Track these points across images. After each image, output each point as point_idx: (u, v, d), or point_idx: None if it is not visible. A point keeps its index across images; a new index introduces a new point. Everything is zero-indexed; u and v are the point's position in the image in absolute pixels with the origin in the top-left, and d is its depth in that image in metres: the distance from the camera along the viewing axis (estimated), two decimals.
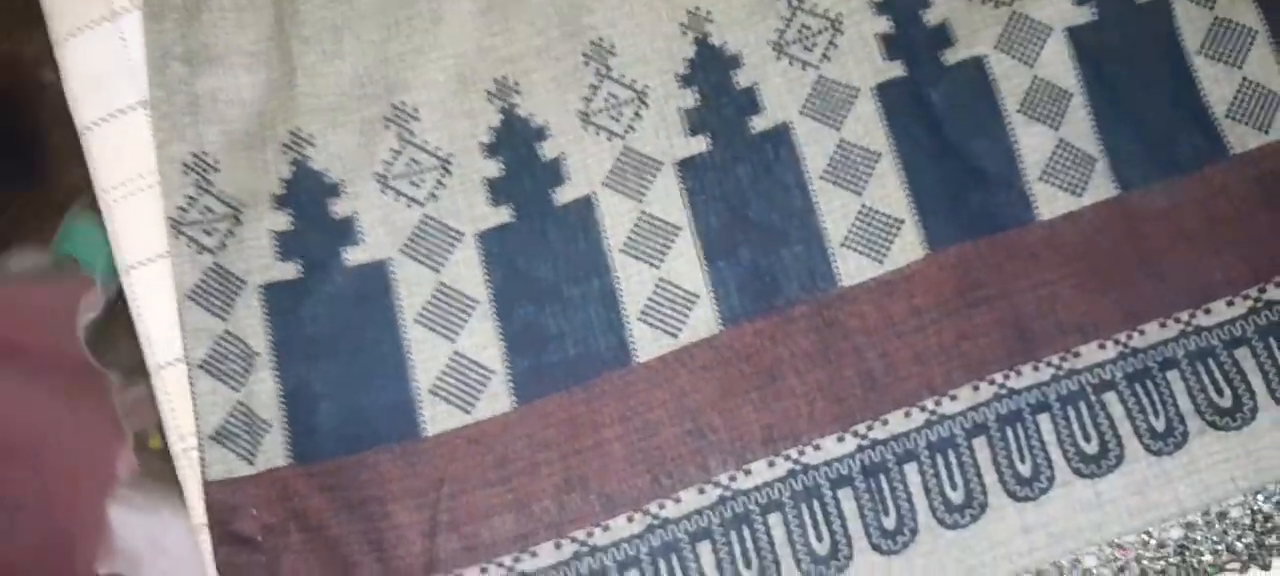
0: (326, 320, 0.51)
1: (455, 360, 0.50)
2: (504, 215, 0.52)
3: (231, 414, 0.50)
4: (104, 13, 0.57)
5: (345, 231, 0.52)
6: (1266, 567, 0.46)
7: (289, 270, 0.52)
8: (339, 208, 0.52)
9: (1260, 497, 0.46)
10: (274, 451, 0.50)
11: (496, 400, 0.50)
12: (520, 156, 0.53)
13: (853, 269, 0.50)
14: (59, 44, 0.58)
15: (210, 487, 0.50)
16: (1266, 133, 0.50)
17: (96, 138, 0.57)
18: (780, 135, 0.52)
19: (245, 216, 0.52)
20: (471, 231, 0.52)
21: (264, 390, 0.50)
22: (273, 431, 0.50)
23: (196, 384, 0.51)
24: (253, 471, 0.50)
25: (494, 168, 0.53)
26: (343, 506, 0.49)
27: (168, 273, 0.53)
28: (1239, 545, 0.46)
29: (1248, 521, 0.46)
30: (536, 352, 0.50)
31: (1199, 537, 0.46)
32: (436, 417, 0.50)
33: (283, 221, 0.52)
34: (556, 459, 0.49)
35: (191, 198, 0.53)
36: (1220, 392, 0.47)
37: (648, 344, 0.50)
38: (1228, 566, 0.46)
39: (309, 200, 0.53)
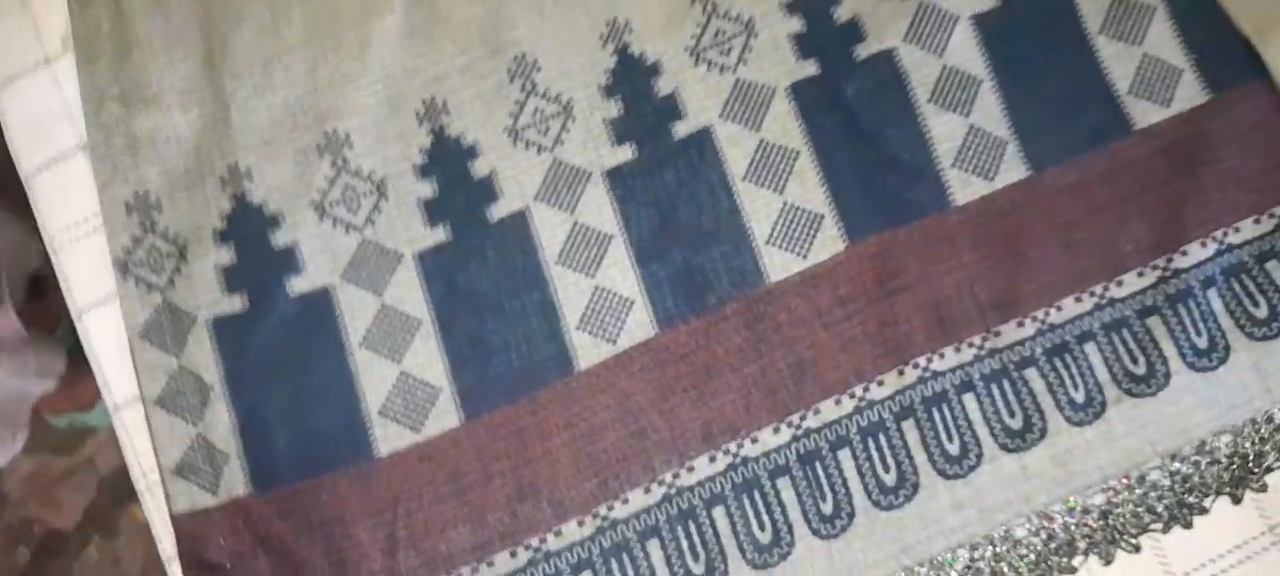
0: (275, 349, 0.48)
1: (402, 380, 0.47)
2: (441, 235, 0.49)
3: (191, 447, 0.47)
4: (38, 58, 0.54)
5: (287, 261, 0.49)
6: (1188, 526, 0.44)
7: (236, 303, 0.48)
8: (280, 238, 0.49)
9: (1177, 460, 0.44)
10: (235, 481, 0.47)
11: (445, 416, 0.47)
12: (453, 176, 0.50)
13: (779, 265, 0.47)
14: None
15: (177, 520, 0.47)
16: (1168, 106, 0.48)
17: (40, 183, 0.53)
18: (702, 139, 0.49)
19: (190, 253, 0.49)
20: (410, 252, 0.49)
21: (220, 422, 0.47)
22: (232, 461, 0.47)
23: (154, 420, 0.48)
24: (216, 502, 0.47)
25: (428, 188, 0.49)
26: (304, 529, 0.46)
27: (118, 313, 0.50)
28: (1160, 507, 0.44)
29: (1167, 483, 0.44)
30: (480, 367, 0.47)
31: (1121, 502, 0.44)
32: (388, 438, 0.47)
33: (226, 256, 0.49)
34: (507, 470, 0.46)
35: (136, 237, 0.49)
36: (1135, 361, 0.45)
37: (588, 351, 0.47)
38: (1151, 527, 0.44)
39: (250, 233, 0.49)
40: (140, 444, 0.49)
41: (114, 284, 0.50)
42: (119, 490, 1.39)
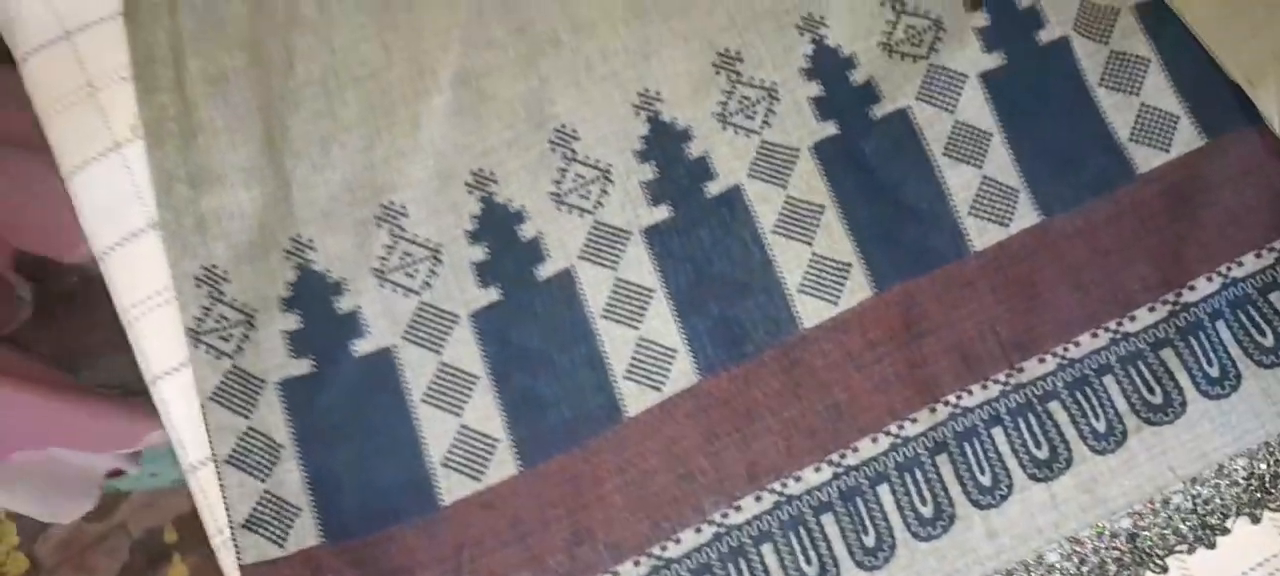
0: (342, 409, 0.50)
1: (462, 433, 0.49)
2: (493, 294, 0.51)
3: (260, 502, 0.49)
4: (108, 144, 0.56)
5: (351, 325, 0.51)
6: (1212, 546, 0.45)
7: (303, 366, 0.51)
8: (343, 304, 0.51)
9: (1198, 483, 0.46)
10: (304, 533, 0.48)
11: (504, 466, 0.49)
12: (502, 239, 0.52)
13: (811, 312, 0.49)
14: (68, 178, 0.57)
15: (246, 570, 0.49)
16: (1167, 151, 0.50)
17: (114, 261, 0.55)
18: (733, 197, 0.52)
19: (258, 321, 0.51)
20: (465, 312, 0.51)
21: (290, 478, 0.49)
22: (302, 515, 0.49)
23: (225, 478, 0.49)
24: (284, 553, 0.48)
25: (479, 252, 0.52)
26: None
27: (190, 379, 0.52)
28: (1184, 528, 0.45)
29: (1189, 506, 0.46)
30: (535, 418, 0.49)
31: (1147, 525, 0.46)
32: (451, 488, 0.49)
33: (293, 322, 0.51)
34: (564, 515, 0.48)
35: (206, 308, 0.52)
36: (1152, 391, 0.47)
37: (635, 399, 0.49)
38: (1176, 548, 0.45)
39: (314, 300, 0.52)
40: (215, 502, 0.51)
41: (185, 353, 0.52)
42: (152, 552, 1.40)
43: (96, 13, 0.58)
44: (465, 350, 0.50)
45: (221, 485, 0.50)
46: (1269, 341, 0.47)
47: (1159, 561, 0.45)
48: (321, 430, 0.50)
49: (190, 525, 1.42)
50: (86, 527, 1.44)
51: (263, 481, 0.49)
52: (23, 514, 0.99)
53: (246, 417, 0.50)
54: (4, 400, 0.77)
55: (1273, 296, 0.47)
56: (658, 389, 0.49)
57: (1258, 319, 0.47)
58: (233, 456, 0.49)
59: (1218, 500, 0.45)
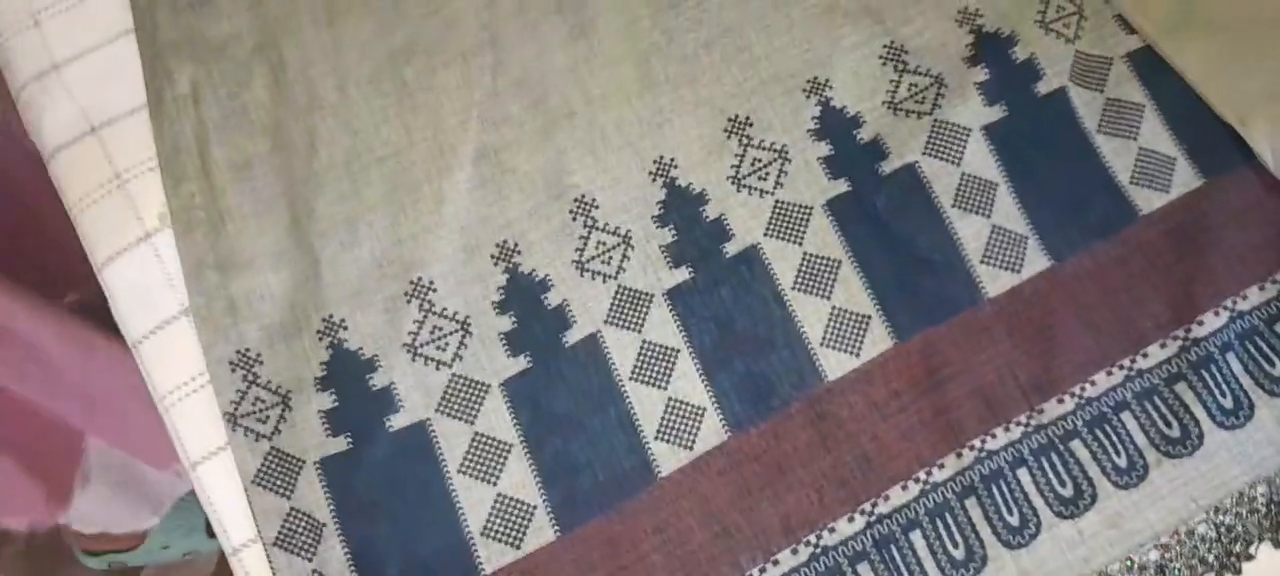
0: (380, 483, 0.51)
1: (499, 501, 0.50)
2: (522, 363, 0.53)
3: None
4: (139, 234, 0.57)
5: (385, 400, 0.52)
6: (1237, 572, 0.47)
7: (340, 443, 0.52)
8: (376, 380, 0.53)
9: (1220, 513, 0.47)
10: None
11: (541, 532, 0.50)
12: (529, 308, 0.53)
13: (834, 365, 0.51)
14: (100, 270, 0.58)
15: None
16: (1167, 192, 0.52)
17: (148, 349, 0.56)
18: (751, 256, 0.53)
19: (294, 401, 0.53)
20: (496, 382, 0.52)
21: (334, 557, 0.50)
22: None
23: (274, 560, 0.50)
24: None
25: (507, 322, 0.53)
26: None
27: (231, 463, 0.53)
28: (1210, 557, 0.47)
29: (1213, 535, 0.47)
30: (570, 483, 0.50)
31: (1174, 556, 0.47)
32: (491, 557, 0.50)
33: (328, 401, 0.52)
34: None
35: (242, 391, 0.53)
36: (1169, 425, 0.49)
37: (667, 459, 0.50)
38: None
39: (348, 377, 0.53)
40: None
41: (222, 436, 0.53)
42: None
43: (122, 107, 0.59)
44: (498, 419, 0.52)
45: (272, 568, 0.51)
46: (1279, 370, 0.48)
47: None
48: (362, 505, 0.51)
49: None
50: None
51: (309, 560, 0.50)
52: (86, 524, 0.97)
53: (289, 498, 0.51)
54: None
55: (1279, 326, 0.49)
56: (689, 448, 0.50)
57: (1266, 349, 0.49)
58: (279, 538, 0.50)
59: (1240, 527, 0.47)
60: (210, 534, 1.17)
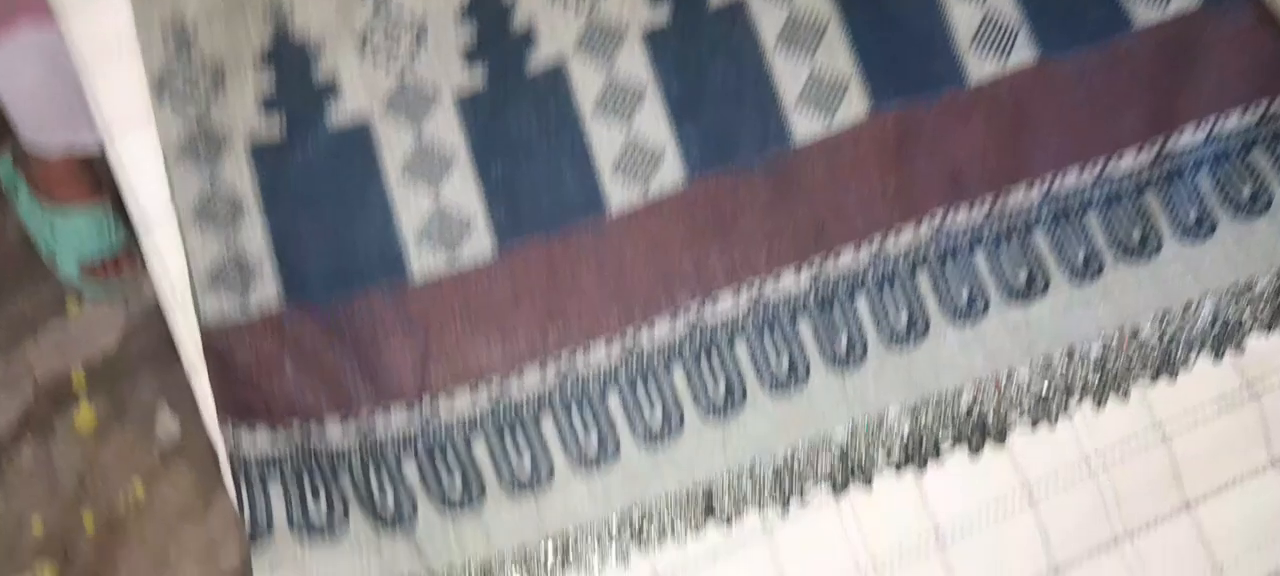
0: (313, 176, 0.48)
1: (438, 207, 0.48)
2: (478, 78, 0.50)
3: (223, 261, 0.47)
4: None
5: (327, 92, 0.49)
6: (1174, 375, 0.47)
7: (273, 128, 0.49)
8: (320, 69, 0.50)
9: (1166, 319, 0.47)
10: (267, 295, 0.47)
11: (479, 246, 0.48)
12: (492, 21, 0.50)
13: (804, 128, 0.49)
14: None
15: (206, 333, 0.47)
16: (1165, 10, 0.51)
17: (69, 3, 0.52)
18: (736, 9, 0.51)
19: (228, 80, 0.49)
20: (449, 91, 0.50)
21: (254, 238, 0.48)
22: (264, 276, 0.47)
23: (187, 234, 0.48)
24: (246, 316, 0.47)
25: (467, 33, 0.50)
26: (335, 341, 0.47)
27: (152, 136, 0.50)
28: (1149, 358, 0.47)
29: (1155, 340, 0.47)
30: (514, 203, 0.48)
31: (1114, 352, 0.47)
32: (422, 260, 0.48)
33: (266, 84, 0.49)
34: (538, 296, 0.48)
35: (172, 60, 0.49)
36: (1131, 230, 0.49)
37: (619, 196, 0.48)
38: (1140, 377, 0.47)
39: (290, 63, 0.50)
40: (171, 264, 0.49)
41: (147, 107, 0.50)
42: (58, 396, 1.36)
43: None
44: (446, 131, 0.49)
45: (185, 242, 0.48)
46: (1246, 194, 0.48)
47: (1123, 387, 0.47)
48: (289, 193, 0.48)
49: (100, 370, 1.37)
50: None
51: (226, 240, 0.48)
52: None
53: (211, 175, 0.48)
54: None
55: (1255, 153, 0.49)
56: (643, 187, 0.49)
57: (1240, 172, 0.49)
58: (196, 211, 0.48)
59: (1183, 336, 0.47)
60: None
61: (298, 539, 0.46)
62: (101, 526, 1.25)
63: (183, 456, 1.30)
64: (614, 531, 0.46)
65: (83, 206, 1.24)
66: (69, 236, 1.25)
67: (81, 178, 1.21)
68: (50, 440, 1.33)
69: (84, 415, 1.33)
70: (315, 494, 0.46)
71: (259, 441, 0.46)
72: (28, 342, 1.36)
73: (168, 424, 1.32)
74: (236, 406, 0.46)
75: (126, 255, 1.24)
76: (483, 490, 0.46)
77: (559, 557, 0.46)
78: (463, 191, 0.48)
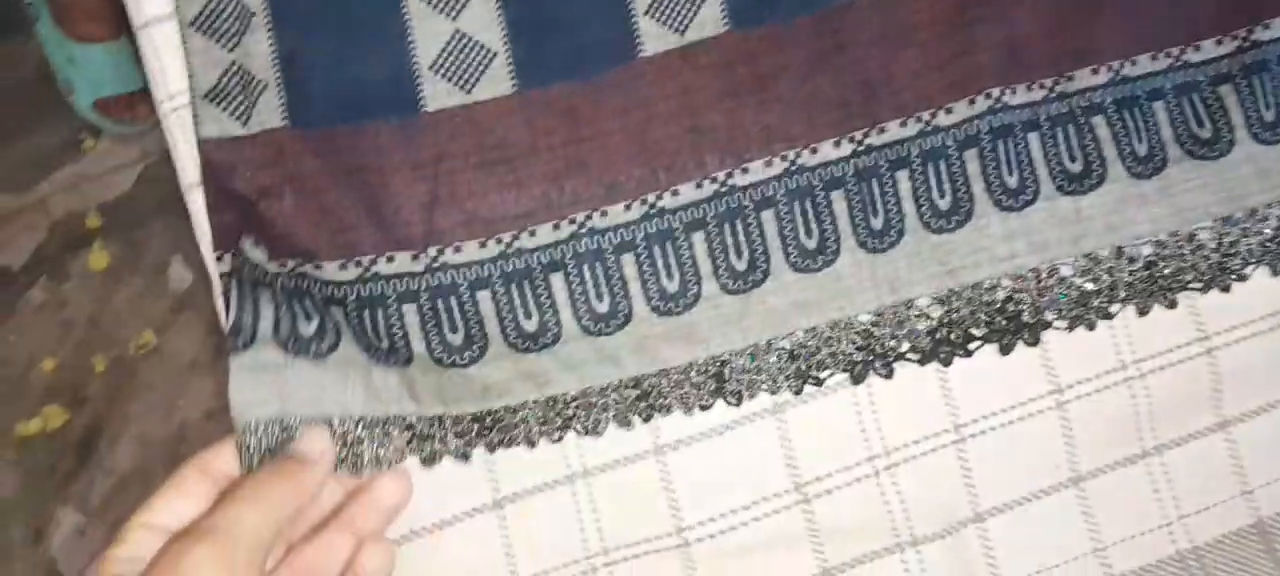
0: None
1: (457, 38, 0.45)
2: None
3: (226, 72, 0.44)
4: None
5: None
6: (1226, 289, 0.44)
7: None
8: None
9: (1229, 224, 0.44)
10: (269, 113, 0.44)
11: (498, 82, 0.45)
12: None
13: None
14: None
15: (205, 145, 0.45)
16: None
17: None
18: None
19: None
20: None
21: (260, 51, 0.44)
22: (269, 92, 0.44)
23: (189, 41, 0.45)
24: (247, 132, 0.44)
25: None
26: (340, 173, 0.44)
27: None
28: (1203, 265, 0.44)
29: (1213, 244, 0.44)
30: (539, 39, 0.45)
31: (1167, 255, 0.44)
32: (436, 94, 0.45)
33: None
34: (557, 145, 0.45)
35: None
36: (1201, 125, 0.45)
37: (653, 39, 0.45)
38: (1191, 286, 0.44)
39: None
40: (168, 63, 0.46)
41: None
42: (72, 236, 1.35)
43: None
44: None
45: (186, 49, 0.45)
46: None
47: (1170, 295, 0.44)
48: (299, 10, 0.45)
49: (114, 214, 1.36)
50: (3, 200, 1.38)
51: (230, 50, 0.45)
52: None
53: None
54: None
55: None
56: (680, 32, 0.45)
57: None
58: (200, 18, 0.45)
59: (1243, 244, 0.44)
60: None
61: (282, 350, 0.44)
62: (111, 370, 1.26)
63: (194, 308, 1.30)
64: (618, 398, 0.44)
65: (103, 43, 1.22)
66: (87, 69, 1.23)
67: (104, 14, 1.20)
68: (63, 280, 1.33)
69: (97, 256, 1.33)
70: (309, 317, 0.44)
71: (254, 255, 0.44)
72: (43, 180, 1.35)
73: (181, 274, 1.32)
74: (232, 227, 0.44)
75: (142, 97, 1.22)
76: (485, 345, 0.44)
77: (559, 420, 0.44)
78: (484, 24, 0.45)
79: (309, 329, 0.44)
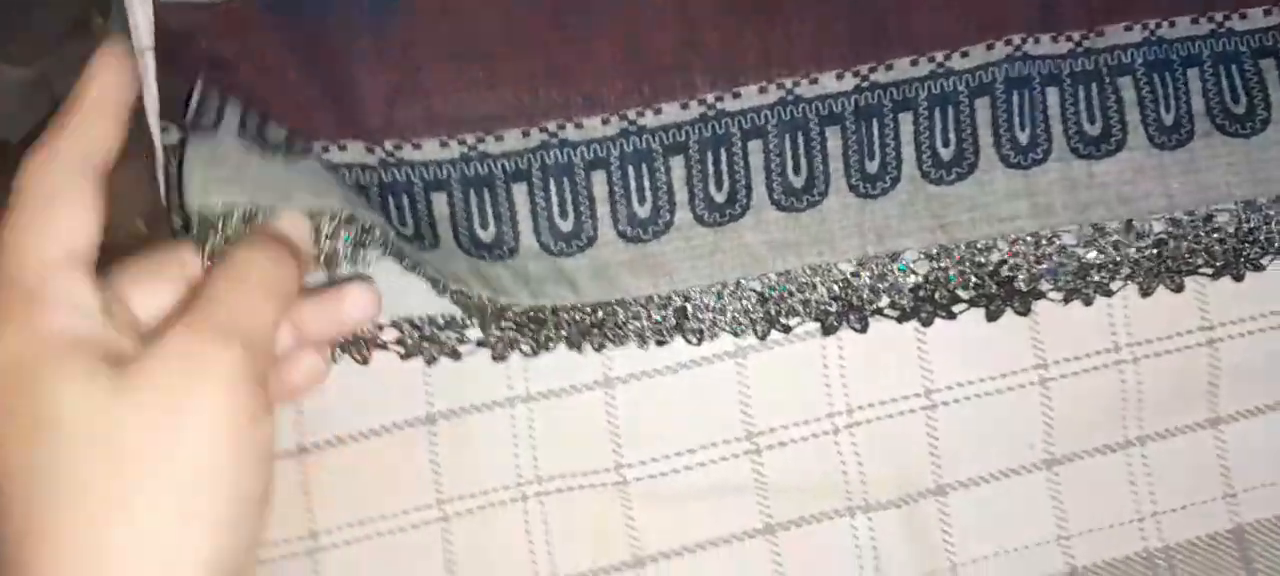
0: None
1: None
2: None
3: None
4: None
5: None
6: (1238, 278, 0.41)
7: None
8: None
9: (1252, 209, 0.41)
10: None
11: None
12: None
13: None
14: None
15: (161, 7, 0.42)
16: None
17: None
18: None
19: None
20: None
21: None
22: None
23: None
24: (210, 0, 0.41)
25: None
26: (303, 56, 0.41)
27: None
28: (1217, 249, 0.41)
29: (1232, 229, 0.41)
30: None
31: (1181, 235, 0.41)
32: None
33: None
34: (537, 48, 0.41)
35: None
36: (1236, 99, 0.41)
37: None
38: (1201, 270, 0.41)
39: None
40: None
41: None
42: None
43: None
44: None
45: None
46: None
47: (1178, 278, 0.41)
48: None
49: None
50: (10, 74, 1.35)
51: None
52: None
53: None
54: None
55: None
56: None
57: None
58: None
59: (1264, 231, 0.41)
60: None
61: (246, 147, 0.40)
62: (102, 254, 1.24)
63: None
64: (570, 318, 0.42)
65: None
66: None
67: None
68: None
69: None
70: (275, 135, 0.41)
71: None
72: (48, 57, 1.31)
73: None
74: (181, 97, 0.41)
75: None
76: (436, 244, 0.42)
77: (510, 324, 0.42)
78: None
79: (277, 136, 0.41)
